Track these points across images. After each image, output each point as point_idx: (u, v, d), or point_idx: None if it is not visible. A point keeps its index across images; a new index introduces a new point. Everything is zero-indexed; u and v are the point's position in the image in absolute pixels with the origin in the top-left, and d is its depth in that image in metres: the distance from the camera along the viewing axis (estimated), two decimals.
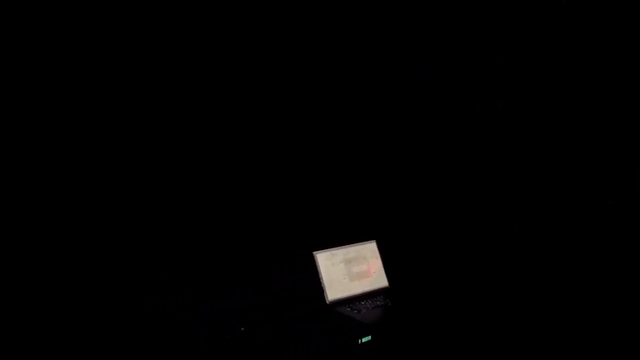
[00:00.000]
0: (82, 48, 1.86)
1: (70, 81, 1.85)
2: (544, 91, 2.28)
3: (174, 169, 2.09)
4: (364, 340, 1.86)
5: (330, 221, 2.50)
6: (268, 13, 2.23)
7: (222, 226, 2.19)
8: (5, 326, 1.70)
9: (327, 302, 2.13)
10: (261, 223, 2.31)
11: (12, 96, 1.74)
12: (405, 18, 2.48)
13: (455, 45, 2.48)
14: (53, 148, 1.83)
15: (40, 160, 1.81)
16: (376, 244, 2.40)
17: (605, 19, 1.90)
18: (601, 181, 2.03)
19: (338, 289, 2.19)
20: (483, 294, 2.29)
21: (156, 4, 1.97)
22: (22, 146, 1.77)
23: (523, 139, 2.36)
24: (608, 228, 2.07)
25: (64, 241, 1.84)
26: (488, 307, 2.21)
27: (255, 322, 1.97)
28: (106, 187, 1.94)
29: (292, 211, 2.41)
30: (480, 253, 2.45)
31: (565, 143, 2.18)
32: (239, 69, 2.22)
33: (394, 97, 2.65)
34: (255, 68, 2.26)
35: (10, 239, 1.74)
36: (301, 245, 2.27)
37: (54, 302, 1.80)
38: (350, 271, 2.27)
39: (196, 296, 2.07)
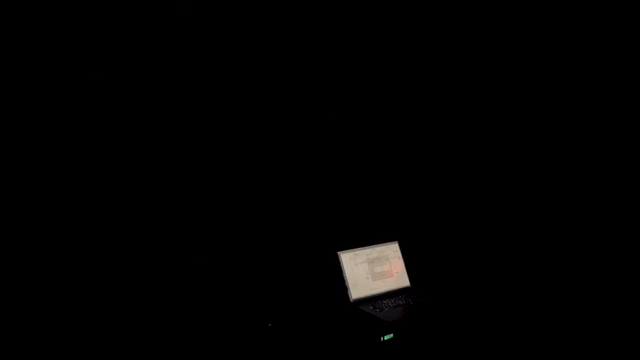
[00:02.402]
0: (82, 48, 1.87)
1: (70, 81, 1.88)
2: (544, 92, 2.26)
3: (189, 169, 2.11)
4: (386, 337, 1.90)
5: (354, 222, 2.54)
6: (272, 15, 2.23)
7: (248, 226, 2.25)
8: (5, 326, 1.70)
9: (351, 301, 2.19)
10: (288, 224, 2.36)
11: (12, 97, 1.77)
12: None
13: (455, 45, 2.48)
14: (54, 148, 1.85)
15: (40, 160, 1.83)
16: (398, 245, 2.45)
17: (605, 19, 1.86)
18: (601, 181, 2.01)
19: (361, 288, 2.25)
20: (502, 294, 2.29)
21: (158, 4, 1.97)
22: (22, 147, 1.79)
23: (524, 139, 2.35)
24: (608, 228, 2.05)
25: (64, 241, 1.85)
26: (507, 307, 2.21)
27: (280, 319, 2.05)
28: (112, 188, 1.96)
29: (318, 212, 2.46)
30: (498, 253, 2.43)
31: (565, 143, 2.17)
32: (258, 73, 2.27)
33: (416, 99, 2.67)
34: (276, 72, 2.31)
35: (10, 239, 1.75)
36: (326, 245, 2.33)
37: (54, 302, 1.80)
38: (373, 270, 2.32)
39: (213, 293, 2.09)
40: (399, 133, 2.68)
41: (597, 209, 2.11)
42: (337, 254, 2.27)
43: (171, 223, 2.07)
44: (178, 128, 2.11)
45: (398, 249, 2.44)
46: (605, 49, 2.05)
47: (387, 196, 2.67)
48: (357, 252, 2.33)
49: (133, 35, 1.98)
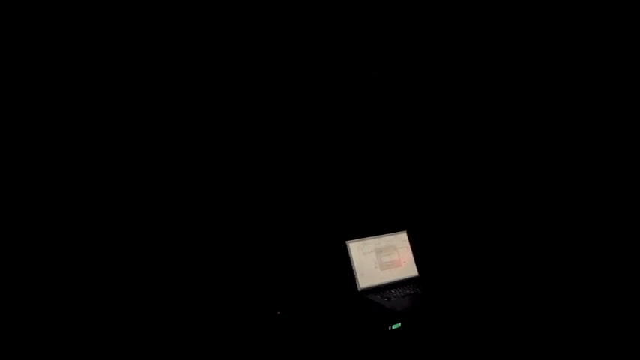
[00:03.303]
0: (82, 48, 1.87)
1: (70, 81, 1.87)
2: (545, 92, 2.23)
3: (199, 166, 2.13)
4: (394, 326, 1.90)
5: (363, 212, 2.54)
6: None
7: (259, 216, 2.26)
8: (5, 326, 1.70)
9: (359, 290, 2.19)
10: (298, 214, 2.37)
11: (12, 96, 1.77)
12: None
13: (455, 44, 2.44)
14: (54, 149, 1.86)
15: (40, 161, 1.83)
16: (407, 235, 2.45)
17: (604, 19, 1.82)
18: (601, 180, 1.99)
19: (369, 278, 2.25)
20: (510, 284, 2.28)
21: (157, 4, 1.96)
22: (23, 147, 1.79)
23: (532, 131, 2.32)
24: (608, 228, 2.03)
25: (64, 240, 1.86)
26: (515, 297, 2.21)
27: (289, 307, 2.06)
28: (112, 183, 1.96)
29: (327, 202, 2.46)
30: (507, 243, 2.42)
31: (565, 143, 2.14)
32: (269, 66, 2.26)
33: (424, 92, 2.64)
34: (286, 65, 2.30)
35: (10, 239, 1.76)
36: (335, 235, 2.33)
37: (54, 302, 1.80)
38: (381, 260, 2.33)
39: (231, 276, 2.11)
40: (409, 124, 2.66)
41: (602, 198, 2.10)
42: (346, 243, 2.28)
43: (185, 215, 2.09)
44: (195, 122, 2.12)
45: (406, 238, 2.44)
46: (605, 49, 2.02)
47: (395, 185, 2.66)
48: (365, 241, 2.33)
49: (133, 35, 1.96)
